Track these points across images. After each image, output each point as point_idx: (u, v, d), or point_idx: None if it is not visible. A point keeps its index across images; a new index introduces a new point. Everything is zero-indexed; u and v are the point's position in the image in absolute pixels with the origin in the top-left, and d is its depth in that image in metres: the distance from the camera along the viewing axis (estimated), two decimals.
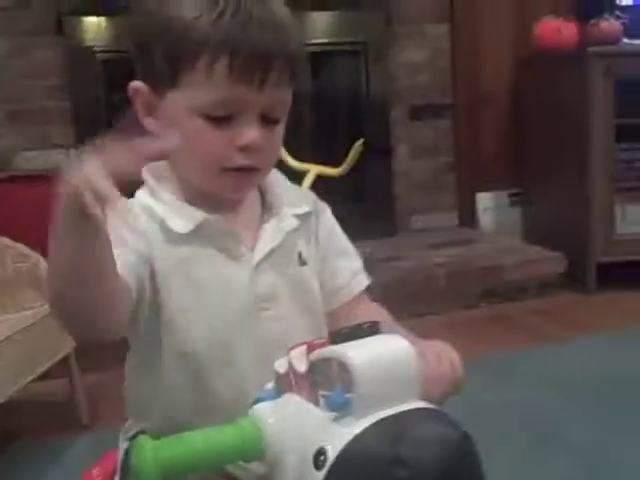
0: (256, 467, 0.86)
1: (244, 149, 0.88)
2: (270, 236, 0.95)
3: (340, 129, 3.87)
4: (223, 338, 0.91)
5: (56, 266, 0.75)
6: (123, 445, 1.00)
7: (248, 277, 0.93)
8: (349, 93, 3.84)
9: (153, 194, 0.93)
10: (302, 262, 0.98)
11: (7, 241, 2.20)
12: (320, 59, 3.66)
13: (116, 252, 0.77)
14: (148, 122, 0.92)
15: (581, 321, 2.99)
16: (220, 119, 0.87)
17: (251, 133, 0.88)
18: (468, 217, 3.93)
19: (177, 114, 0.88)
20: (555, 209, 3.61)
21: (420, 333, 0.97)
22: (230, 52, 0.83)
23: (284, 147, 2.51)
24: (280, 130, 0.93)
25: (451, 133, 3.89)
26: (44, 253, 2.21)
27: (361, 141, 2.46)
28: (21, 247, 2.19)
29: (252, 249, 0.94)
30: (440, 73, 3.83)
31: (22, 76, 3.22)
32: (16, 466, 2.05)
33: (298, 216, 0.98)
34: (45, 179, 3.11)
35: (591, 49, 3.23)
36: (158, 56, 0.88)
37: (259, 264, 0.93)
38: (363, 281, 1.06)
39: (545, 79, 3.56)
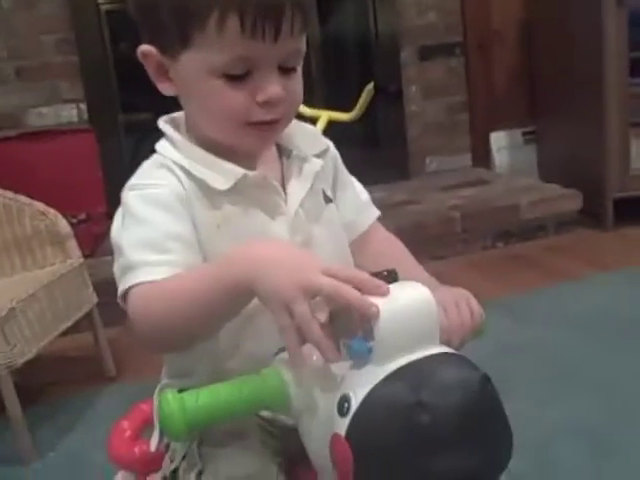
0: (286, 418, 0.88)
1: (266, 104, 0.87)
2: (299, 183, 0.95)
3: (350, 73, 3.84)
4: None
5: (186, 310, 0.80)
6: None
7: (287, 229, 0.92)
8: (357, 36, 3.79)
9: (178, 148, 0.92)
10: (327, 199, 0.99)
11: (24, 199, 2.21)
12: (327, 2, 3.60)
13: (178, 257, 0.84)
14: (164, 87, 0.91)
15: (599, 258, 2.99)
16: (238, 77, 0.85)
17: (271, 87, 0.86)
18: (483, 157, 3.91)
19: (193, 75, 0.87)
20: (570, 145, 3.57)
21: (439, 276, 0.98)
22: (239, 9, 0.81)
23: None
24: (298, 77, 0.91)
25: (463, 72, 3.85)
26: (61, 209, 2.24)
27: (371, 85, 2.44)
28: (38, 204, 2.20)
29: (285, 200, 0.93)
30: (449, 11, 3.77)
31: (28, 31, 3.20)
32: (46, 419, 2.10)
33: (318, 155, 0.97)
34: (56, 135, 3.12)
35: None
36: (166, 17, 0.85)
37: (296, 213, 0.93)
38: (373, 214, 1.06)
39: (556, 13, 3.49)
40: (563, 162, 3.63)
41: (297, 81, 0.91)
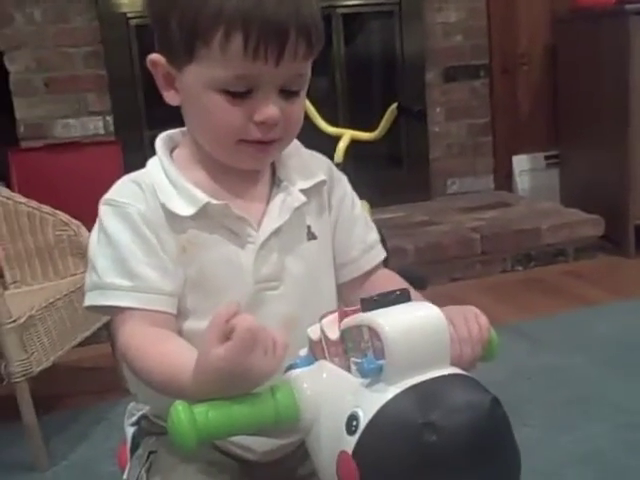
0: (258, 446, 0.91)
1: (262, 124, 0.87)
2: (276, 214, 0.94)
3: (374, 92, 3.85)
4: None
5: (174, 382, 0.80)
6: (129, 431, 1.02)
7: (253, 259, 0.92)
8: (383, 55, 3.81)
9: (163, 167, 0.93)
10: (311, 236, 0.97)
11: (48, 209, 2.24)
12: (354, 21, 3.63)
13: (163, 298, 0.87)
14: (169, 95, 0.92)
15: (619, 285, 2.97)
16: (238, 94, 0.86)
17: (269, 109, 0.86)
18: (504, 180, 3.90)
19: (195, 88, 0.88)
20: (593, 171, 3.56)
21: (455, 298, 0.98)
22: (243, 29, 0.82)
23: (318, 111, 2.49)
24: (301, 101, 0.91)
25: (487, 94, 3.85)
26: (84, 220, 2.26)
27: (395, 105, 2.44)
28: (61, 215, 2.23)
29: (259, 228, 0.93)
30: (476, 34, 3.78)
31: (58, 44, 3.25)
32: (61, 429, 2.12)
33: (306, 190, 0.96)
34: (82, 146, 3.16)
35: (630, 6, 3.16)
36: (174, 30, 0.86)
37: (264, 244, 0.92)
38: (377, 255, 1.04)
39: (583, 38, 3.49)
40: (585, 187, 3.62)
41: (298, 105, 0.91)
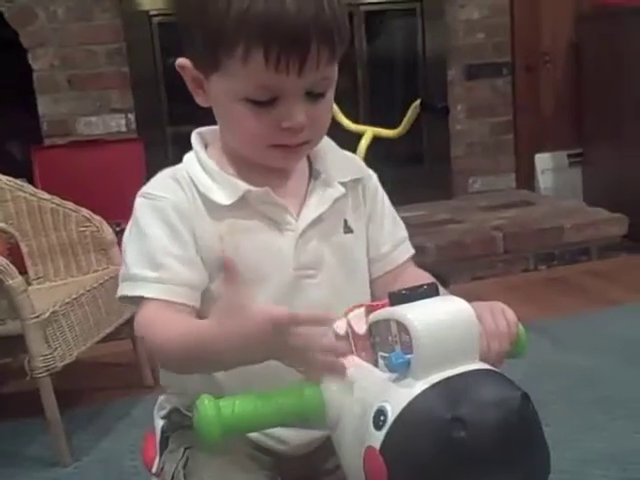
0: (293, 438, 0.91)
1: (289, 129, 0.88)
2: (316, 204, 0.95)
3: (396, 90, 3.84)
4: None
5: (197, 351, 0.81)
6: (158, 423, 1.02)
7: (293, 246, 0.93)
8: (405, 53, 3.80)
9: (200, 161, 0.94)
10: (348, 229, 0.98)
11: (71, 205, 2.25)
12: (376, 19, 3.62)
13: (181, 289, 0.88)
14: (199, 98, 0.93)
15: None
16: (263, 102, 0.86)
17: (295, 116, 0.87)
18: (527, 179, 3.87)
19: (221, 97, 0.89)
20: (616, 169, 3.53)
21: (478, 296, 0.97)
22: (263, 43, 0.81)
23: (340, 109, 2.48)
24: (326, 102, 0.91)
25: (509, 92, 3.83)
26: (106, 217, 2.27)
27: (418, 102, 2.43)
28: (84, 212, 2.24)
29: (298, 217, 0.94)
30: (498, 31, 3.76)
31: (81, 41, 3.26)
32: (83, 425, 2.12)
33: (345, 183, 0.97)
34: (105, 144, 3.18)
35: None
36: (199, 40, 0.87)
37: (304, 232, 0.93)
38: (407, 251, 1.05)
39: (606, 35, 3.46)
40: (609, 186, 3.58)
41: (324, 106, 0.91)
